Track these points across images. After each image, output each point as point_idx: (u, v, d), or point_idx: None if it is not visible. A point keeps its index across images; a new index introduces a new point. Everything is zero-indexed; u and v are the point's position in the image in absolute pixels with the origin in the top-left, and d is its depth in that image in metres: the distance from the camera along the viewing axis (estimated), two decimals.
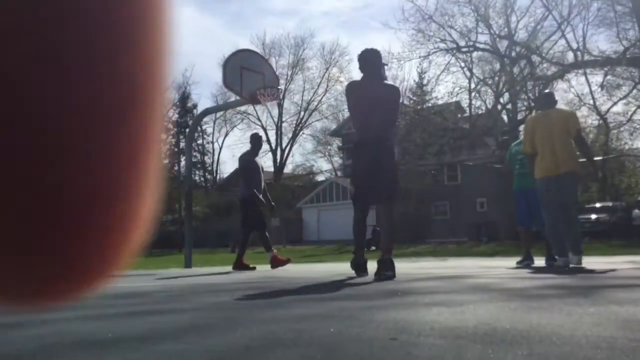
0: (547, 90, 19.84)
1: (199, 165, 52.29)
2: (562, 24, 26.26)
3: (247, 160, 8.20)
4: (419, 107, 32.31)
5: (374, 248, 21.49)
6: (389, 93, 4.96)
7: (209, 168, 55.24)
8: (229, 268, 8.87)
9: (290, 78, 46.21)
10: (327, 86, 46.33)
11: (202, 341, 1.96)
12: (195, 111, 51.53)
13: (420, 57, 26.15)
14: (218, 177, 55.89)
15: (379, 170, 4.82)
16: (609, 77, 26.33)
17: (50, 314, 3.12)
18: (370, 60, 5.02)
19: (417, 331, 1.96)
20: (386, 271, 4.72)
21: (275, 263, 7.82)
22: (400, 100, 5.08)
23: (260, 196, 8.05)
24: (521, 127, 23.94)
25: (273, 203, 8.54)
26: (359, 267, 5.01)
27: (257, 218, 8.01)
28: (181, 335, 2.13)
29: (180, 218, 35.09)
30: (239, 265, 7.94)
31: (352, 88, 5.03)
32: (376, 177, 4.80)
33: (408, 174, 31.38)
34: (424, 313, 2.47)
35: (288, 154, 46.52)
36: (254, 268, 7.93)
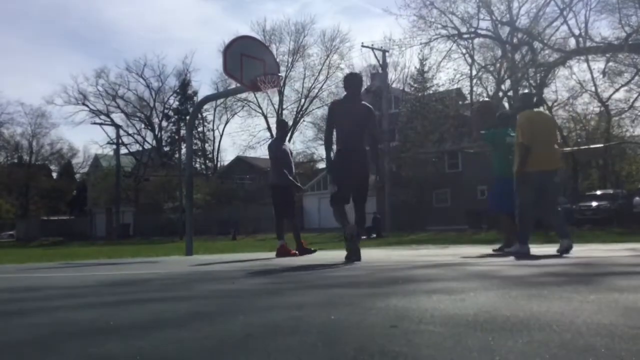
0: (526, 91, 19.74)
1: (199, 153, 52.25)
2: (564, 10, 26.02)
3: (276, 148, 8.18)
4: (420, 95, 32.21)
5: (374, 235, 21.51)
6: (365, 112, 5.98)
7: (210, 156, 55.24)
8: (237, 255, 8.89)
9: (291, 65, 46.03)
10: (328, 73, 46.16)
11: (203, 328, 1.97)
12: (195, 98, 51.44)
13: (421, 43, 26.00)
14: (219, 164, 55.89)
15: (356, 176, 5.87)
16: (611, 63, 26.19)
17: (48, 302, 3.13)
18: (353, 83, 6.11)
19: (418, 319, 1.96)
20: (355, 257, 5.71)
21: (282, 253, 7.79)
22: (376, 116, 6.30)
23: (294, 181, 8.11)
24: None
25: (299, 184, 8.52)
26: (352, 254, 5.81)
27: (289, 205, 8.03)
28: (182, 322, 2.13)
29: (181, 206, 35.14)
30: (302, 250, 7.94)
31: (335, 106, 6.13)
32: (353, 181, 5.85)
33: (409, 161, 31.36)
34: (425, 301, 2.48)
35: (289, 141, 46.46)
36: (315, 251, 8.02)
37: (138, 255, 10.96)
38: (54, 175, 68.68)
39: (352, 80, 6.14)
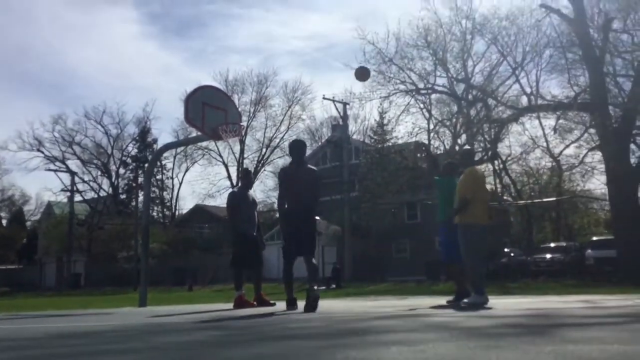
0: (467, 147, 20.49)
1: (157, 201, 51.36)
2: (516, 69, 27.29)
3: (236, 197, 8.10)
4: (379, 146, 32.76)
5: (333, 286, 21.35)
6: (310, 175, 6.62)
7: (168, 204, 54.35)
8: (193, 307, 8.68)
9: (253, 115, 46.24)
10: (290, 123, 46.53)
11: None
12: (155, 146, 50.85)
13: (380, 97, 26.60)
14: (177, 213, 54.98)
15: (304, 232, 6.40)
16: (561, 121, 27.28)
17: None
18: (297, 149, 6.74)
19: None
20: (313, 304, 5.97)
21: (239, 304, 7.61)
22: (320, 179, 6.83)
23: (253, 232, 7.96)
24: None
25: (264, 241, 8.45)
26: (291, 303, 6.33)
27: (247, 255, 7.86)
28: None
29: (136, 255, 34.28)
30: (261, 301, 7.73)
31: (285, 172, 6.78)
32: (302, 237, 6.36)
33: (369, 211, 31.57)
34: (384, 352, 2.46)
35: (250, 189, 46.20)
36: (274, 304, 7.71)
37: (89, 306, 10.57)
38: (4, 222, 66.28)
39: (296, 146, 6.82)
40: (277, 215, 8.13)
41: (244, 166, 44.59)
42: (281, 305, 6.93)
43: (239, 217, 7.94)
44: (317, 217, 7.42)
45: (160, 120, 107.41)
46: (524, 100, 26.13)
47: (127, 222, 43.18)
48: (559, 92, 27.74)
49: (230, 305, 7.85)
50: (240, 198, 8.10)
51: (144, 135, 52.20)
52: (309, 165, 6.92)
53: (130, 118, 69.57)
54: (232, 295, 8.22)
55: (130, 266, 37.31)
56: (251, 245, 7.97)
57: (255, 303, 7.71)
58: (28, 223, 67.46)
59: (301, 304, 6.11)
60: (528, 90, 26.60)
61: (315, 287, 6.31)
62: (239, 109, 10.38)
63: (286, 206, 6.57)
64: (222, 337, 3.69)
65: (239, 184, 8.55)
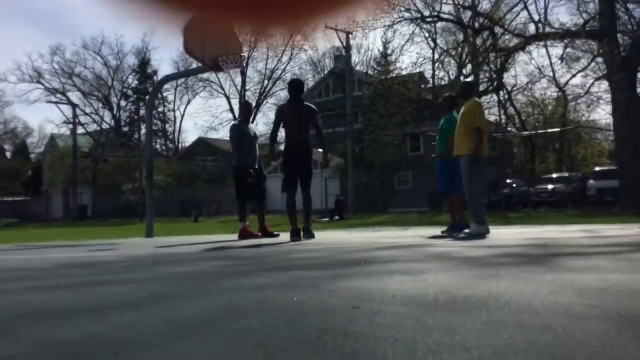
0: (469, 79, 20.17)
1: (159, 134, 51.36)
2: None
3: (237, 129, 8.03)
4: (383, 77, 32.26)
5: (337, 217, 21.61)
6: (309, 111, 7.03)
7: (170, 137, 54.36)
8: (198, 237, 8.81)
9: (254, 45, 45.37)
10: (292, 54, 45.66)
11: (163, 311, 1.93)
12: (155, 77, 50.33)
13: (384, 26, 25.92)
14: (180, 145, 55.03)
15: (302, 165, 6.87)
16: (568, 49, 26.77)
17: (1, 284, 3.03)
18: (296, 87, 7.23)
19: (380, 299, 1.97)
20: (308, 237, 6.65)
21: (244, 235, 7.72)
22: (318, 114, 7.30)
23: (254, 166, 7.95)
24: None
25: (264, 173, 8.50)
26: (294, 234, 6.64)
27: (250, 187, 7.88)
28: (142, 305, 2.09)
29: (141, 187, 34.57)
30: (265, 233, 7.82)
31: (282, 109, 7.18)
32: (300, 170, 6.86)
33: (371, 144, 31.49)
34: (386, 282, 2.49)
35: (252, 122, 46.02)
36: (278, 235, 7.82)
37: (96, 237, 10.75)
38: (8, 155, 66.55)
39: (294, 84, 7.33)
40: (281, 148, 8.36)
41: (245, 98, 44.17)
42: (284, 236, 7.03)
43: (240, 149, 7.92)
44: (323, 151, 7.93)
45: (160, 50, 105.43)
46: (532, 28, 25.51)
47: (131, 155, 43.31)
48: (568, 20, 27.14)
49: (235, 236, 7.97)
50: (241, 131, 8.04)
51: (143, 67, 51.55)
52: (306, 103, 7.29)
53: (129, 49, 68.46)
54: (237, 227, 8.33)
55: (136, 198, 37.71)
56: (253, 178, 7.99)
57: (259, 234, 7.82)
58: (32, 155, 67.75)
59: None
60: (536, 17, 25.92)
61: (309, 224, 6.90)
62: (240, 39, 10.13)
63: (286, 142, 7.14)
64: (226, 267, 3.75)
65: (240, 117, 8.46)
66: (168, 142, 53.84)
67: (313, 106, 7.34)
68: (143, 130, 39.64)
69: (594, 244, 4.99)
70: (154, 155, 17.40)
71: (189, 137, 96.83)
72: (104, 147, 48.67)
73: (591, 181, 23.33)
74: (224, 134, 46.78)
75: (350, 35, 30.27)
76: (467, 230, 6.55)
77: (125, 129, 51.72)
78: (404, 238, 6.64)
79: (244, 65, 40.06)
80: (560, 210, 19.01)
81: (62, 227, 24.84)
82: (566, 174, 27.38)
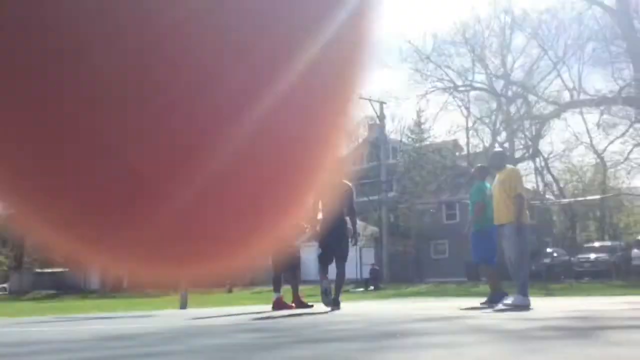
0: (499, 149, 20.29)
1: None
2: (557, 63, 26.71)
3: None
4: (417, 145, 32.50)
5: (372, 288, 21.28)
6: (346, 189, 7.14)
7: None
8: (232, 309, 8.79)
9: None
10: None
11: None
12: None
13: (418, 95, 26.43)
14: None
15: (336, 243, 7.04)
16: (605, 115, 26.60)
17: (40, 357, 3.07)
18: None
19: None
20: (335, 307, 6.76)
21: (278, 306, 7.63)
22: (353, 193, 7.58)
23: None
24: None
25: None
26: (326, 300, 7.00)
27: (285, 258, 7.86)
28: None
29: None
30: (299, 304, 7.78)
31: (320, 187, 7.38)
32: (334, 247, 7.08)
33: (407, 212, 31.34)
34: (422, 356, 2.44)
35: None
36: (312, 305, 7.77)
37: (132, 309, 10.81)
38: None
39: None
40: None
41: None
42: (319, 307, 6.96)
43: None
44: (352, 229, 8.01)
45: None
46: (566, 95, 25.62)
47: None
48: (603, 86, 27.12)
49: (269, 308, 7.91)
50: None
51: None
52: (344, 181, 7.48)
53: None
54: (271, 298, 8.28)
55: None
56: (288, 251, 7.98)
57: (293, 305, 7.74)
58: None
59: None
60: (570, 85, 26.04)
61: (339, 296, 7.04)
62: None
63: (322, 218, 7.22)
64: (262, 340, 3.72)
65: None
66: None
67: (349, 184, 7.55)
68: None
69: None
70: None
71: None
72: None
73: (635, 250, 22.56)
74: None
75: (384, 105, 30.86)
76: (508, 302, 6.37)
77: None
78: (440, 310, 6.48)
79: None
80: (604, 281, 18.34)
81: (99, 299, 25.08)
82: (609, 243, 26.56)
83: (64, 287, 47.49)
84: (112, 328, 5.37)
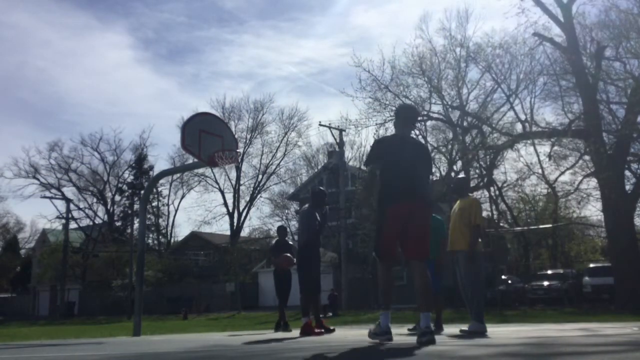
0: (463, 176, 20.72)
1: (153, 228, 51.15)
2: (510, 96, 27.61)
3: (312, 217, 7.83)
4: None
5: (330, 314, 21.13)
6: (324, 215, 8.08)
7: (163, 231, 54.11)
8: (187, 336, 8.58)
9: (249, 141, 46.29)
10: (286, 150, 46.57)
11: None
12: (151, 173, 50.90)
13: (376, 124, 26.72)
14: (173, 240, 54.68)
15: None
16: (556, 147, 27.49)
17: None
18: (320, 197, 8.20)
19: None
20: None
21: (307, 331, 7.39)
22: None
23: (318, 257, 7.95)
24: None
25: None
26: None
27: (313, 280, 7.67)
28: None
29: (131, 283, 33.95)
30: (322, 327, 7.59)
31: (306, 211, 8.10)
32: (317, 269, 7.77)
33: (364, 238, 31.47)
34: None
35: (245, 217, 45.84)
36: (334, 330, 7.61)
37: (82, 335, 10.43)
38: None
39: (318, 194, 8.14)
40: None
41: (239, 193, 44.52)
42: (341, 332, 6.80)
43: (308, 241, 7.72)
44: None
45: (157, 147, 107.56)
46: (519, 127, 26.36)
47: (122, 250, 42.90)
48: (554, 119, 28.05)
49: (294, 334, 7.73)
50: (314, 217, 7.86)
51: (140, 162, 52.24)
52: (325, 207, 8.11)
53: (127, 145, 70.05)
54: (227, 324, 8.14)
55: (125, 294, 36.94)
56: (315, 270, 7.79)
57: (322, 331, 7.54)
58: (22, 251, 66.95)
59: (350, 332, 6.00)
60: (523, 117, 26.88)
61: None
62: (236, 136, 10.40)
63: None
64: None
65: (308, 205, 8.21)
66: (160, 237, 53.50)
67: (326, 208, 8.19)
68: (136, 225, 39.49)
69: (593, 342, 4.89)
70: (146, 250, 17.25)
71: (182, 231, 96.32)
72: (95, 242, 48.30)
73: (586, 278, 23.16)
74: (217, 227, 46.55)
75: (343, 132, 31.11)
76: (465, 328, 6.44)
77: (119, 223, 51.56)
78: (398, 337, 6.47)
79: (239, 160, 40.72)
80: (557, 307, 18.72)
81: (48, 326, 24.12)
82: (561, 271, 27.22)
83: (11, 313, 45.59)
84: (60, 355, 5.15)
